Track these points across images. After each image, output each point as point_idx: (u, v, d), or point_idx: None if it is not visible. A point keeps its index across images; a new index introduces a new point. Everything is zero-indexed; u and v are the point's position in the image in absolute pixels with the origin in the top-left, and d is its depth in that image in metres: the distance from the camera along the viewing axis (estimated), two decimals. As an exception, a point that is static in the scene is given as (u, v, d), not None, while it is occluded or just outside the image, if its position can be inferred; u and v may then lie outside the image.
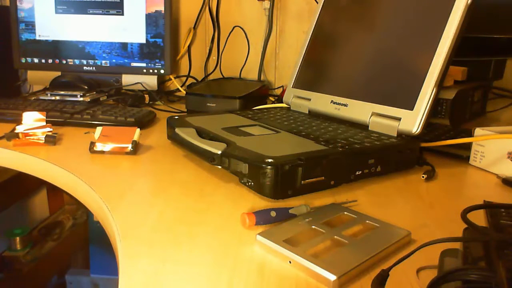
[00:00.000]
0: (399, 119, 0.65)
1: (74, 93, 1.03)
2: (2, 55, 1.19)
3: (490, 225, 0.40)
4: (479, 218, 0.42)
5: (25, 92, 1.32)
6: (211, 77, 1.31)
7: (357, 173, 0.58)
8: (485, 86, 1.03)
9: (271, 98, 1.18)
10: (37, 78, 1.21)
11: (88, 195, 0.56)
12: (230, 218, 0.46)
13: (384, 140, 0.63)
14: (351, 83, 0.76)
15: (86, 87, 1.08)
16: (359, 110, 0.71)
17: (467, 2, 0.61)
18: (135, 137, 0.70)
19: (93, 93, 1.07)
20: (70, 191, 0.62)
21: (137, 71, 1.18)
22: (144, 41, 1.16)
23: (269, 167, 0.49)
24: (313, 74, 0.86)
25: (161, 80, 1.31)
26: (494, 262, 0.31)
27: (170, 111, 1.08)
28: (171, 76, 1.29)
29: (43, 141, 0.73)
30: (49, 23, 1.18)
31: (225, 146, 0.57)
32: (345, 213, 0.47)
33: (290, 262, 0.37)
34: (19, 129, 0.73)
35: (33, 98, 1.07)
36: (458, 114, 0.90)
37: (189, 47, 1.33)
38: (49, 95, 1.03)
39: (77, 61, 1.19)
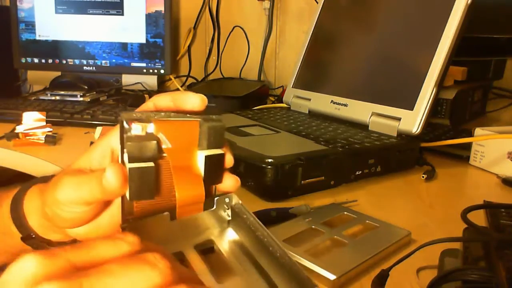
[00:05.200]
0: (399, 119, 0.65)
1: (74, 93, 1.03)
2: (2, 55, 1.19)
3: (490, 225, 0.40)
4: (479, 218, 0.42)
5: (25, 92, 1.32)
6: (211, 77, 1.31)
7: (357, 173, 0.58)
8: (485, 86, 1.03)
9: (271, 98, 1.18)
10: (37, 78, 1.21)
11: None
12: (230, 218, 0.46)
13: (384, 140, 0.63)
14: (351, 83, 0.76)
15: (86, 87, 1.08)
16: (359, 110, 0.71)
17: (467, 2, 0.61)
18: (135, 137, 0.70)
19: (93, 93, 1.07)
20: (70, 191, 0.61)
21: (137, 71, 1.18)
22: (144, 41, 1.16)
23: (269, 167, 0.49)
24: (313, 74, 0.86)
25: (161, 80, 1.31)
26: (494, 262, 0.31)
27: (170, 111, 1.08)
28: (171, 76, 1.29)
29: (43, 141, 0.73)
30: (49, 23, 1.18)
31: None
32: (345, 213, 0.47)
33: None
34: (19, 129, 0.73)
35: (33, 98, 1.07)
36: (458, 114, 0.90)
37: (189, 47, 1.33)
38: (49, 95, 1.03)
39: (77, 61, 1.19)
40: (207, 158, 0.28)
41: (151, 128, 0.27)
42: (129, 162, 0.26)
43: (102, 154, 0.30)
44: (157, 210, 0.28)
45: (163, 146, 0.27)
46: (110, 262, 0.19)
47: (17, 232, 0.34)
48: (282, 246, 0.26)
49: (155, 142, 0.26)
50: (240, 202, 0.30)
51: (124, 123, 0.26)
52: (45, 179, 0.36)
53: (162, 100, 0.30)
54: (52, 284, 0.17)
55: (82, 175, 0.29)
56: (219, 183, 0.30)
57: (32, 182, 0.36)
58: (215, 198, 0.30)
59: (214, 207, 0.30)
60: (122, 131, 0.26)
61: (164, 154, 0.28)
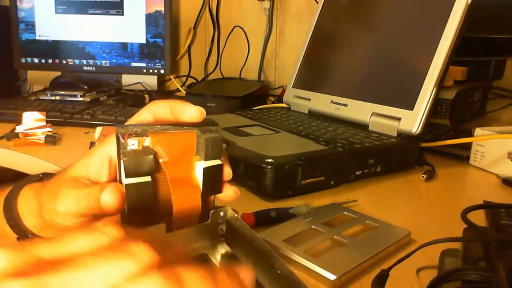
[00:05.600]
0: (399, 119, 0.65)
1: (74, 93, 1.03)
2: (2, 55, 1.19)
3: (490, 225, 0.40)
4: (479, 218, 0.42)
5: (25, 92, 1.32)
6: (211, 77, 1.31)
7: (357, 173, 0.58)
8: (485, 86, 1.03)
9: (271, 98, 1.18)
10: (37, 78, 1.21)
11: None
12: (230, 218, 0.46)
13: (384, 140, 0.63)
14: (351, 83, 0.76)
15: (86, 87, 1.08)
16: (359, 110, 0.71)
17: (467, 2, 0.61)
18: (135, 137, 0.70)
19: (93, 93, 1.07)
20: (70, 191, 0.61)
21: (137, 71, 1.18)
22: (144, 41, 1.16)
23: (269, 167, 0.49)
24: (313, 74, 0.86)
25: (161, 80, 1.31)
26: (494, 262, 0.31)
27: (170, 111, 1.07)
28: (171, 76, 1.29)
29: (43, 141, 0.73)
30: (49, 23, 1.18)
31: (225, 146, 0.57)
32: (345, 213, 0.47)
33: (289, 262, 0.37)
34: (19, 129, 0.73)
35: (33, 98, 1.07)
36: (458, 114, 0.90)
37: (189, 47, 1.33)
38: (49, 95, 1.03)
39: (77, 61, 1.19)
40: (206, 170, 0.28)
41: (147, 142, 0.27)
42: (126, 177, 0.26)
43: (100, 162, 0.30)
44: (154, 221, 0.27)
45: (160, 160, 0.27)
46: (85, 254, 0.18)
47: (11, 231, 0.34)
48: (280, 258, 0.25)
49: (151, 156, 0.26)
50: (236, 215, 0.30)
51: (120, 138, 0.26)
52: (38, 178, 0.36)
53: (159, 109, 0.30)
54: (16, 282, 0.16)
55: (80, 189, 0.29)
56: (218, 193, 0.30)
57: (24, 181, 0.35)
58: (210, 212, 0.30)
59: (209, 220, 0.30)
60: (119, 146, 0.26)
61: (162, 166, 0.27)
